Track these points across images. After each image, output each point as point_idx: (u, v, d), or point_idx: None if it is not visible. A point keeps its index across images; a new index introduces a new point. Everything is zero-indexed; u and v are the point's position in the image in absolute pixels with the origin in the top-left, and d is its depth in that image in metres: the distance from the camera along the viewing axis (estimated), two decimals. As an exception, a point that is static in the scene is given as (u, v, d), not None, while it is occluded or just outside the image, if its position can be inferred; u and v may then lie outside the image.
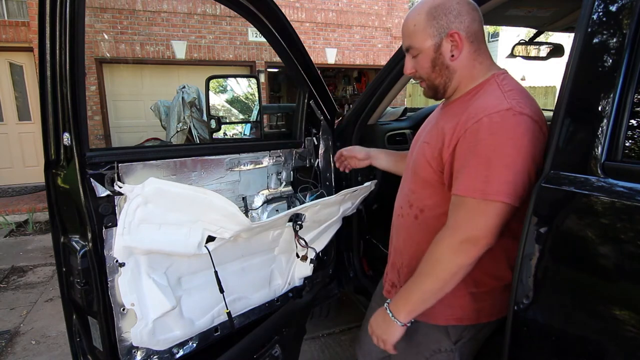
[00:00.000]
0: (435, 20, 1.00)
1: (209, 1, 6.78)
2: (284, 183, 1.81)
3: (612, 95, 0.78)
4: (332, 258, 2.00)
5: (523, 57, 2.47)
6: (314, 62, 1.70)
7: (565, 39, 2.48)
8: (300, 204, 1.65)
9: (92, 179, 1.13)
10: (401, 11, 8.45)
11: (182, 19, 6.78)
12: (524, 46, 2.44)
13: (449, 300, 1.01)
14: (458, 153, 0.96)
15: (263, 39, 1.72)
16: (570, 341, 0.85)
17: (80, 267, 1.13)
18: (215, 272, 1.37)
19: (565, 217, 0.84)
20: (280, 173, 1.79)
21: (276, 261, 1.70)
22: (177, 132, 5.23)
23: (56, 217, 1.21)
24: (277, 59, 1.72)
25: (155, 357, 1.32)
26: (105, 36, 6.34)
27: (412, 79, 1.37)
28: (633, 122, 0.78)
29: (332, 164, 1.89)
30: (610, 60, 0.80)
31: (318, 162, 1.88)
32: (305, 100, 1.78)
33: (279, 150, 1.75)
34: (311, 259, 1.73)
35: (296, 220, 1.52)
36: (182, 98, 5.21)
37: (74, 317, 1.28)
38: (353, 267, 2.10)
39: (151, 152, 1.35)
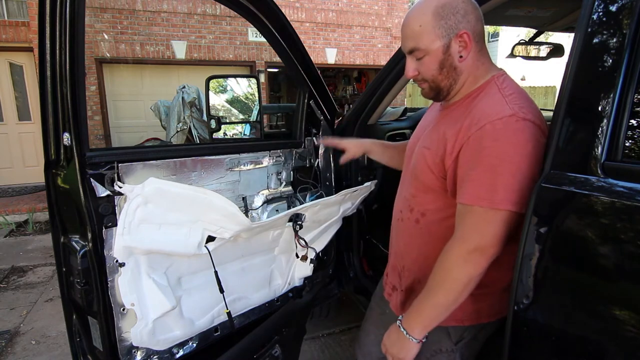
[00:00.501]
0: (443, 20, 0.95)
1: (209, 1, 6.77)
2: (284, 183, 1.81)
3: (612, 95, 0.78)
4: (332, 258, 2.00)
5: (523, 57, 2.47)
6: (314, 62, 1.70)
7: (565, 39, 2.49)
8: (300, 204, 1.65)
9: (92, 179, 1.13)
10: (401, 11, 8.44)
11: (182, 19, 6.77)
12: (524, 46, 2.44)
13: (455, 307, 1.01)
14: (462, 160, 0.95)
15: (263, 39, 1.72)
16: (570, 341, 0.85)
17: (80, 267, 1.13)
18: (215, 272, 1.37)
19: (565, 217, 0.84)
20: (280, 173, 1.79)
21: (276, 261, 1.70)
22: (177, 132, 5.23)
23: (56, 217, 1.21)
24: (277, 59, 1.72)
25: (155, 357, 1.32)
26: (105, 36, 6.34)
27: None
28: (633, 122, 0.78)
29: (332, 164, 1.89)
30: (610, 60, 0.80)
31: (318, 162, 1.88)
32: (305, 100, 1.78)
33: (279, 150, 1.75)
34: (311, 259, 1.73)
35: (296, 220, 1.52)
36: (182, 98, 5.21)
37: (74, 317, 1.28)
38: (353, 267, 2.10)
39: (151, 152, 1.35)
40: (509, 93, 0.95)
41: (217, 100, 2.01)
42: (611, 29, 0.81)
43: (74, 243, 1.17)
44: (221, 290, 1.39)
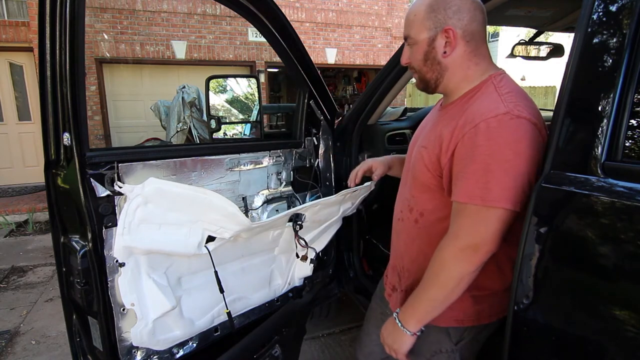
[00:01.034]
0: (433, 13, 0.98)
1: (209, 1, 6.78)
2: (284, 183, 1.81)
3: (612, 95, 0.78)
4: (332, 258, 2.00)
5: (523, 57, 2.47)
6: (314, 62, 1.70)
7: (565, 39, 2.48)
8: (300, 204, 1.65)
9: (92, 179, 1.13)
10: (401, 11, 8.44)
11: (182, 19, 6.78)
12: (524, 46, 2.44)
13: (450, 303, 1.01)
14: (456, 158, 0.95)
15: (263, 39, 1.72)
16: (570, 341, 0.85)
17: (80, 267, 1.13)
18: (215, 272, 1.37)
19: (565, 217, 0.84)
20: (280, 173, 1.79)
21: (276, 261, 1.70)
22: (177, 132, 5.23)
23: (56, 217, 1.21)
24: (277, 59, 1.72)
25: (155, 357, 1.32)
26: (105, 36, 6.34)
27: (412, 79, 1.37)
28: (633, 122, 0.78)
29: (332, 164, 1.89)
30: (610, 60, 0.80)
31: (318, 162, 1.88)
32: (305, 100, 1.78)
33: (279, 150, 1.75)
34: (311, 259, 1.73)
35: (296, 220, 1.52)
36: (182, 98, 5.21)
37: (74, 317, 1.28)
38: (353, 267, 2.10)
39: (151, 152, 1.35)
40: (505, 92, 0.95)
41: (217, 100, 2.01)
42: (611, 29, 0.81)
43: (74, 243, 1.17)
44: (221, 290, 1.39)
